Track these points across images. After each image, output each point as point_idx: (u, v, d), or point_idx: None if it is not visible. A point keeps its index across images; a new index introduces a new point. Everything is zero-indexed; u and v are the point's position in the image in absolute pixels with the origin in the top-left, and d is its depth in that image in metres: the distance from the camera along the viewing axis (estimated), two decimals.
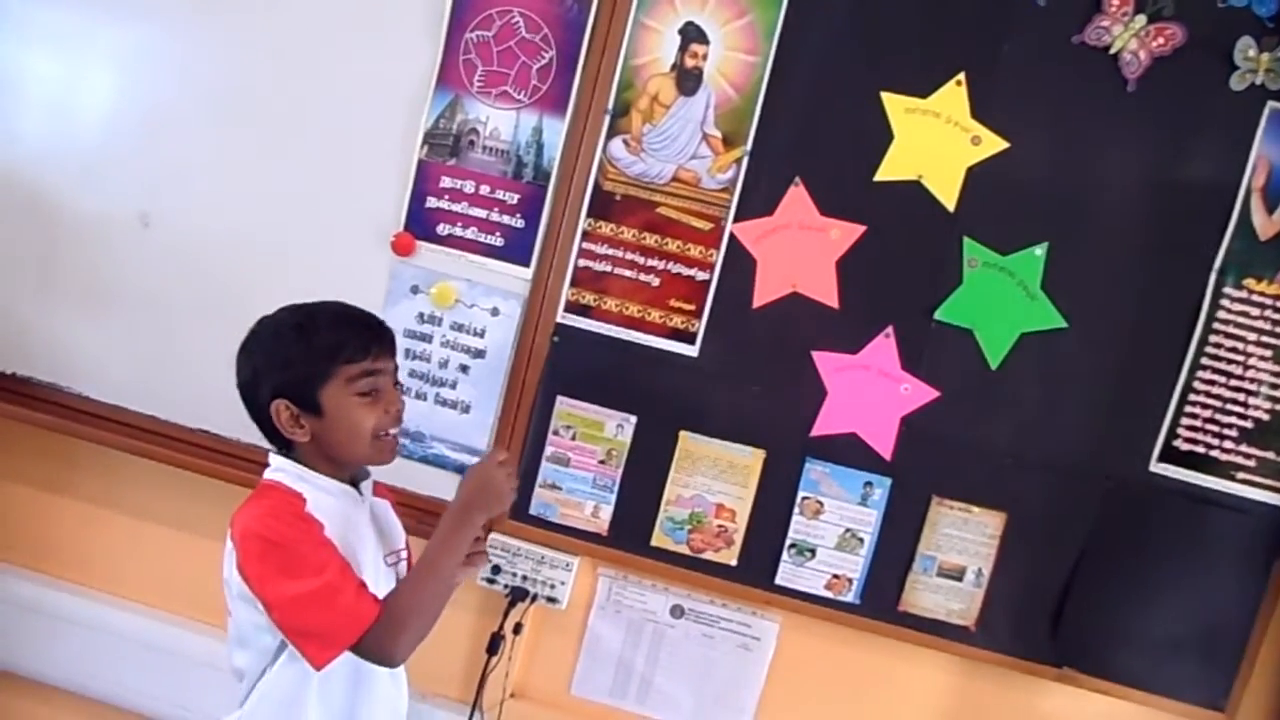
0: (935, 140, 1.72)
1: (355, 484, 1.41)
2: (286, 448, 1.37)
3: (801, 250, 1.77)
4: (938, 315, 1.75)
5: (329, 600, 1.23)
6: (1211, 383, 1.73)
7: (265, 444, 1.39)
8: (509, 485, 1.34)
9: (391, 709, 1.49)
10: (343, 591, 1.24)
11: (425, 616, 1.29)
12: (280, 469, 1.35)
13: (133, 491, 2.06)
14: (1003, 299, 1.74)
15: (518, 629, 1.90)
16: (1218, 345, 1.73)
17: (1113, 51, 1.67)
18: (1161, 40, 1.65)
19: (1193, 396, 1.74)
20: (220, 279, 1.90)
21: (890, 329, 1.77)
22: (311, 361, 1.30)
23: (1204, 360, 1.73)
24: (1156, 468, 1.76)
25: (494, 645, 1.88)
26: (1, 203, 1.96)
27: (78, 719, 2.11)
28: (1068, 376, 1.76)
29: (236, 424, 1.87)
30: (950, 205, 1.73)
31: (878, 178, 1.74)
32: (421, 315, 1.87)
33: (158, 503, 2.05)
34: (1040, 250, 1.73)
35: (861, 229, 1.76)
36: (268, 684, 1.33)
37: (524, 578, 1.87)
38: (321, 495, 1.33)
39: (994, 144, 1.71)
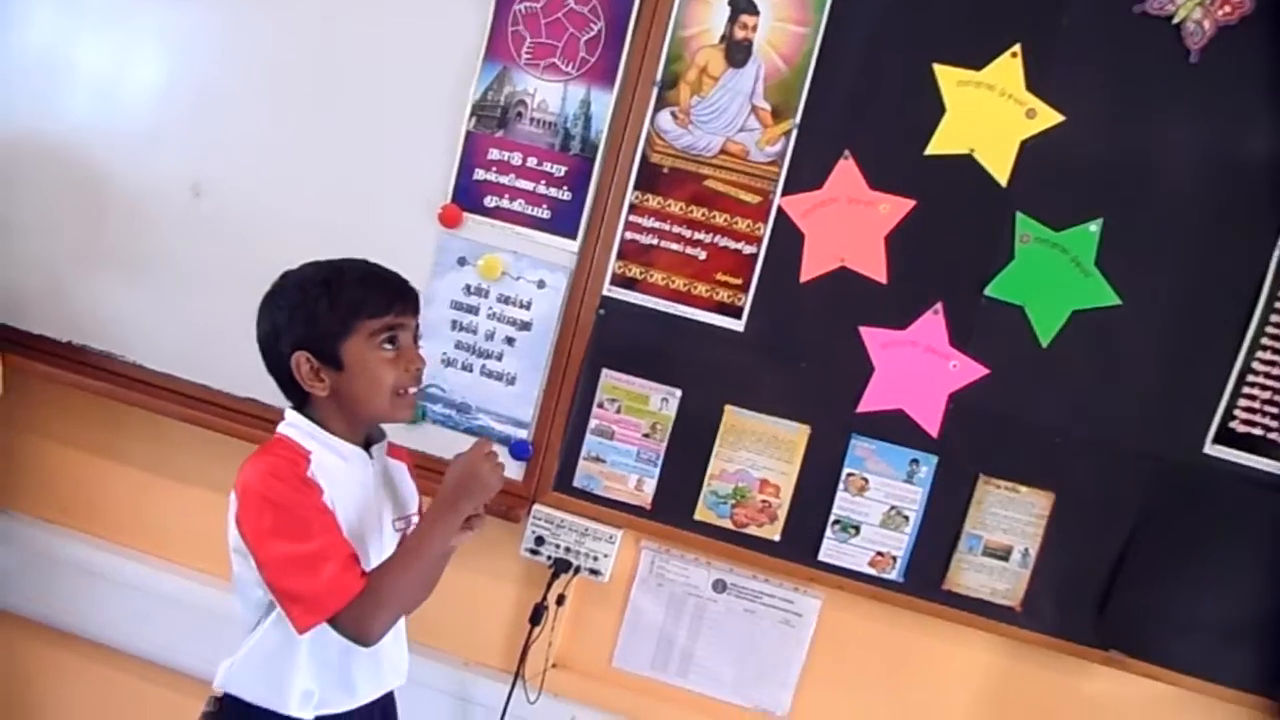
0: (989, 113, 1.69)
1: (368, 445, 1.42)
2: (303, 402, 1.38)
3: (850, 224, 1.75)
4: (988, 291, 1.73)
5: (315, 568, 1.25)
6: (1272, 364, 1.69)
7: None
8: (494, 476, 1.35)
9: (392, 668, 1.51)
10: (329, 561, 1.26)
11: (405, 599, 1.32)
12: (293, 424, 1.37)
13: (182, 457, 2.10)
14: (1055, 275, 1.71)
15: (561, 600, 1.91)
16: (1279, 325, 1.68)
17: (1176, 21, 1.62)
18: (1228, 9, 1.60)
19: (1251, 377, 1.69)
20: (269, 250, 1.87)
21: (939, 305, 1.75)
22: (335, 316, 1.31)
23: (1264, 340, 1.68)
24: (1211, 450, 1.72)
25: (537, 616, 1.90)
26: (55, 176, 2.01)
27: (128, 677, 2.16)
28: (1120, 355, 1.72)
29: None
30: (1003, 180, 1.70)
31: (929, 151, 1.71)
32: (468, 287, 1.87)
33: (206, 469, 2.08)
34: (1095, 226, 1.69)
35: (911, 203, 1.73)
36: (259, 637, 1.36)
37: (567, 549, 1.88)
38: (328, 454, 1.35)
39: (1049, 117, 1.68)
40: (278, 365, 1.36)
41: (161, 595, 2.07)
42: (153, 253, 1.99)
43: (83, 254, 2.02)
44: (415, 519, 1.51)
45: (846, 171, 1.74)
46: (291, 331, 1.33)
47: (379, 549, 1.39)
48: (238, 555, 1.33)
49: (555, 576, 1.89)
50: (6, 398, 1.97)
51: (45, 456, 2.17)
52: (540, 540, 1.89)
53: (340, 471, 1.35)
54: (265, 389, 1.90)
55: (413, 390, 1.38)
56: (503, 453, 1.86)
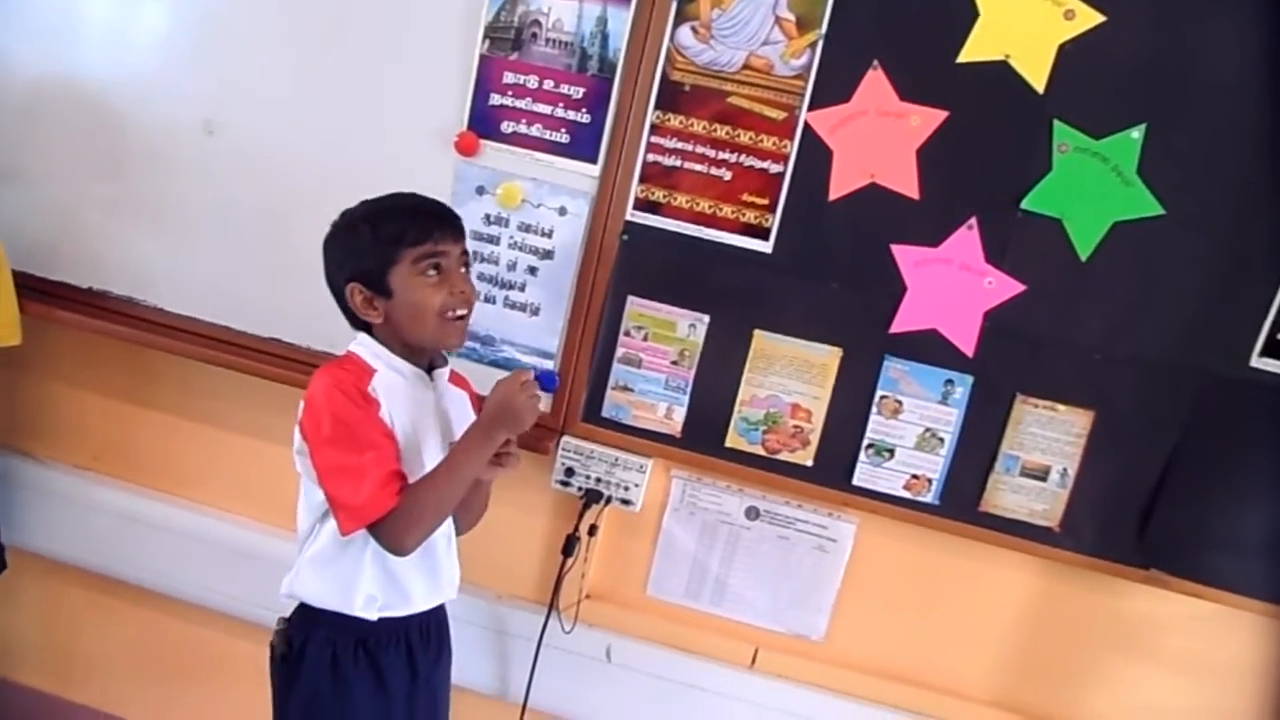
0: (1024, 16, 1.61)
1: (430, 370, 1.50)
2: (367, 330, 1.47)
3: (880, 138, 1.68)
4: (1024, 204, 1.66)
5: (357, 480, 1.36)
6: None
7: (335, 351, 1.52)
8: (529, 408, 1.40)
9: (448, 580, 1.60)
10: (371, 477, 1.36)
11: (436, 515, 1.41)
12: (361, 343, 1.47)
13: (209, 400, 2.10)
14: (1095, 186, 1.64)
15: (593, 531, 1.91)
16: None
17: None
18: None
19: None
20: (285, 185, 1.89)
21: (974, 220, 1.69)
22: (379, 247, 1.40)
23: None
24: (1258, 363, 1.66)
25: (569, 547, 1.90)
26: (68, 123, 1.98)
27: (163, 616, 2.20)
28: (1163, 267, 1.66)
29: (307, 331, 1.92)
30: (1040, 86, 1.63)
31: (961, 59, 1.64)
32: (488, 217, 1.83)
33: (232, 410, 2.09)
34: (1138, 133, 1.62)
35: (944, 114, 1.66)
36: (320, 542, 1.46)
37: (598, 480, 1.87)
38: (391, 374, 1.44)
39: (1089, 18, 1.59)
40: (340, 299, 1.46)
41: (193, 537, 2.08)
42: (168, 194, 1.97)
43: (99, 199, 1.99)
44: None
45: (875, 83, 1.67)
46: (345, 266, 1.43)
47: (434, 465, 1.45)
48: (299, 457, 1.43)
49: (586, 507, 1.88)
50: (31, 347, 1.97)
51: (72, 404, 2.18)
52: (570, 471, 1.87)
53: (400, 389, 1.44)
54: (288, 328, 1.93)
55: (461, 313, 1.44)
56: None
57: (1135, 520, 1.75)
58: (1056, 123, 1.64)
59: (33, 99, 1.98)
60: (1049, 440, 1.74)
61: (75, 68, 1.95)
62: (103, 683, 2.30)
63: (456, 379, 1.59)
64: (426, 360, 1.50)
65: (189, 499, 2.14)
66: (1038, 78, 1.63)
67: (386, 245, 1.39)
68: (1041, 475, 1.76)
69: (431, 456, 1.45)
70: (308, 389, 1.41)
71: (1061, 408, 1.73)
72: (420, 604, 1.54)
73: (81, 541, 2.14)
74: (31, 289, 1.99)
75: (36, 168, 2.01)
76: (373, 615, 1.47)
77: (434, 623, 1.61)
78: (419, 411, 1.46)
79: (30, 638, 2.31)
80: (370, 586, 1.46)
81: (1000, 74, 1.64)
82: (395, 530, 1.37)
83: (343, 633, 1.48)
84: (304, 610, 1.50)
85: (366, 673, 1.51)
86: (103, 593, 2.20)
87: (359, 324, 1.46)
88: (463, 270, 1.46)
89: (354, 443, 1.36)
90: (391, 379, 1.44)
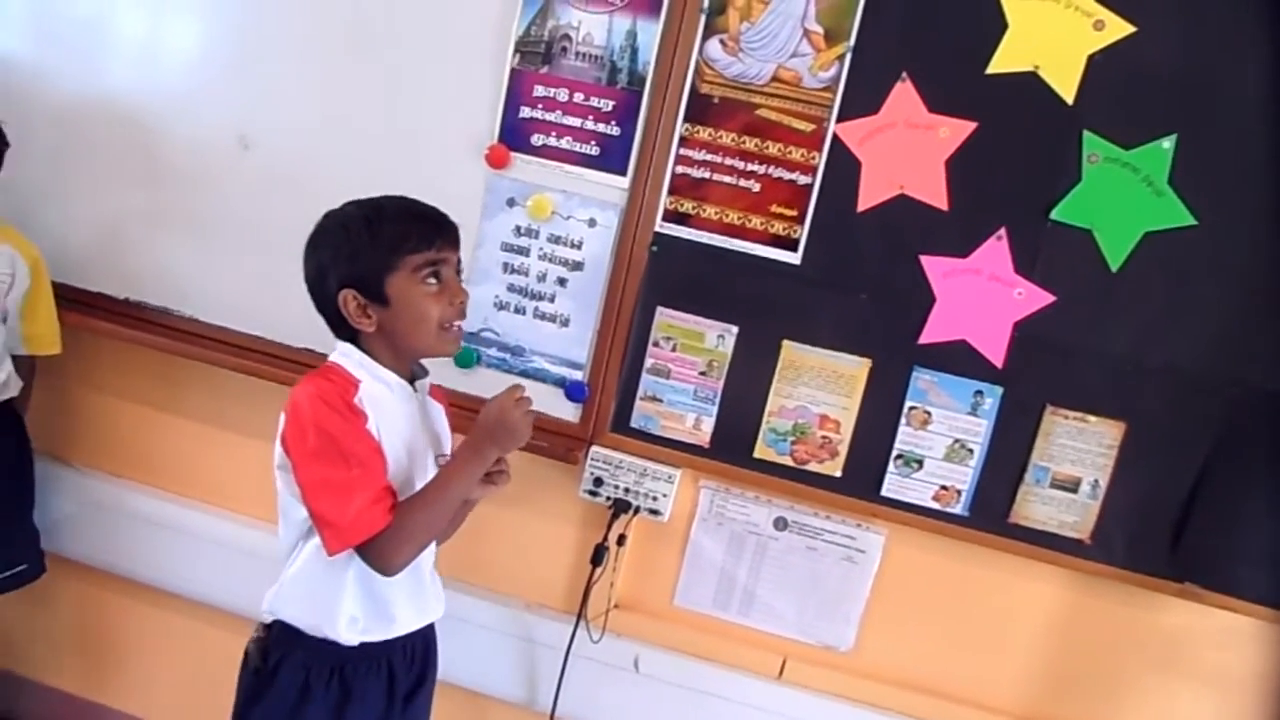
0: (1053, 27, 1.61)
1: (412, 382, 1.44)
2: (352, 339, 1.41)
3: (909, 150, 1.69)
4: (1054, 215, 1.66)
5: (346, 497, 1.29)
6: None
7: None
8: (524, 423, 1.36)
9: (435, 598, 1.56)
10: (361, 493, 1.30)
11: (427, 534, 1.37)
12: (344, 354, 1.41)
13: (239, 409, 2.12)
14: (1125, 196, 1.64)
15: (621, 541, 1.91)
16: None
17: None
18: None
19: None
20: (318, 198, 1.87)
21: (1003, 231, 1.69)
22: (378, 253, 1.33)
23: None
24: None
25: (598, 557, 1.90)
26: (104, 135, 2.01)
27: (190, 620, 2.22)
28: (1195, 278, 1.65)
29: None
30: (1069, 97, 1.63)
31: (990, 70, 1.64)
32: (518, 228, 1.85)
33: (262, 419, 2.05)
34: (1168, 143, 1.61)
35: (973, 126, 1.67)
36: (302, 561, 1.41)
37: (626, 490, 1.87)
38: (377, 385, 1.39)
39: (1119, 28, 1.59)
40: (326, 304, 1.39)
41: (220, 542, 2.10)
42: (204, 207, 2.00)
43: (137, 212, 2.03)
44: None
45: (904, 95, 1.68)
46: (337, 270, 1.35)
47: (423, 480, 1.41)
48: (281, 472, 1.38)
49: (615, 517, 1.89)
50: (68, 355, 2.00)
51: (106, 411, 2.21)
52: (599, 481, 1.88)
53: (387, 401, 1.39)
54: (320, 339, 1.92)
55: (458, 323, 1.40)
56: (555, 395, 1.86)
57: (1167, 533, 1.73)
58: (1086, 133, 1.64)
59: (71, 116, 2.02)
60: (1080, 452, 1.73)
61: (112, 85, 2.00)
62: (137, 689, 2.32)
63: (434, 392, 1.53)
64: (409, 370, 1.45)
65: (224, 507, 2.16)
66: (1067, 88, 1.63)
67: (387, 251, 1.33)
68: (1072, 487, 1.75)
69: (420, 470, 1.42)
70: (289, 401, 1.35)
71: (1092, 419, 1.72)
72: (405, 625, 1.49)
73: (117, 548, 2.17)
74: (70, 300, 2.03)
75: (76, 183, 2.05)
76: (354, 639, 1.41)
77: (419, 644, 1.55)
78: (406, 424, 1.41)
79: (66, 643, 2.34)
80: (353, 607, 1.40)
81: (1029, 85, 1.64)
82: (385, 550, 1.31)
83: (320, 657, 1.42)
84: (285, 626, 1.43)
85: (334, 703, 1.44)
86: (138, 599, 2.23)
87: (344, 332, 1.40)
88: (459, 278, 1.42)
89: (341, 457, 1.30)
90: (377, 390, 1.38)
